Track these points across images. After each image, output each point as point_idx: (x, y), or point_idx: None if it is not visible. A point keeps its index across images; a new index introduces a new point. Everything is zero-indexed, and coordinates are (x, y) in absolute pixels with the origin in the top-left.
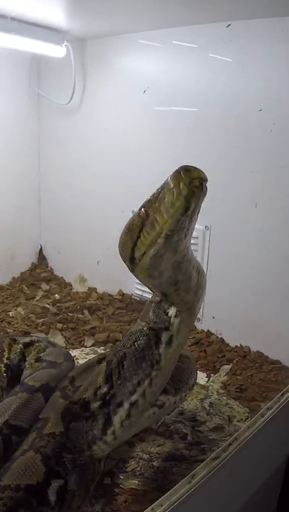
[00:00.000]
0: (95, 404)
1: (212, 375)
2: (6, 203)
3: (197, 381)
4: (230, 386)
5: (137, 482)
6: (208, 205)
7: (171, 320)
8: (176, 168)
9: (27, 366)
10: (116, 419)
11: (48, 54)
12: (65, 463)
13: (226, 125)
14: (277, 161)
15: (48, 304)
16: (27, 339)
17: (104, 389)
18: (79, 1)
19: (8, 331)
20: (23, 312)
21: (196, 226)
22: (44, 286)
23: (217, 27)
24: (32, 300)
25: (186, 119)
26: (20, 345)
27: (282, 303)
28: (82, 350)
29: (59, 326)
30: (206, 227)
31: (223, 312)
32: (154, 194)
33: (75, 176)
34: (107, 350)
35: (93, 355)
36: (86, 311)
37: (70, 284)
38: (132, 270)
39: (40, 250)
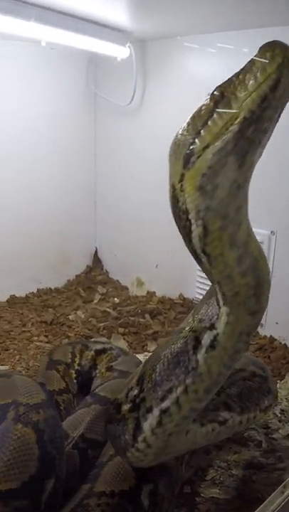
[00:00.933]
0: (126, 407)
1: (279, 381)
2: (61, 204)
3: None
4: None
5: (217, 491)
6: (274, 210)
7: (221, 311)
8: None
9: (98, 375)
10: (146, 426)
11: (112, 54)
12: (153, 466)
13: None
14: None
15: (109, 308)
16: (99, 346)
17: (135, 391)
18: (143, 2)
19: (70, 335)
20: (83, 316)
21: (262, 231)
22: (101, 289)
23: (284, 30)
24: (90, 303)
25: None
26: (92, 351)
27: None
28: (146, 355)
29: (121, 330)
30: (271, 232)
31: (286, 318)
32: (232, 76)
33: (133, 178)
34: None
35: None
36: (147, 316)
37: (126, 288)
38: (180, 181)
39: (96, 253)
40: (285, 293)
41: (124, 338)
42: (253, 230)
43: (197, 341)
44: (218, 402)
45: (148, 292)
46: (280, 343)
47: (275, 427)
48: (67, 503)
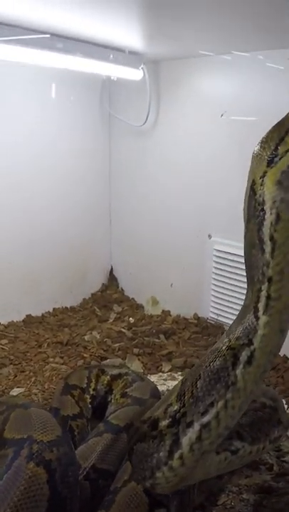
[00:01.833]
0: (164, 423)
1: None
2: (77, 224)
3: None
4: None
5: None
6: None
7: (259, 324)
8: None
9: (112, 401)
10: (185, 441)
11: (126, 77)
12: None
13: None
14: None
15: (124, 328)
16: (116, 371)
17: (176, 407)
18: (156, 26)
19: (85, 356)
20: (98, 336)
21: None
22: (116, 307)
23: None
24: (105, 323)
25: None
26: (108, 376)
27: None
28: (160, 376)
29: (135, 351)
30: None
31: None
32: None
33: (147, 198)
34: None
35: (171, 381)
36: (162, 336)
37: (141, 306)
38: (262, 177)
39: (111, 271)
40: None
41: (138, 359)
42: None
43: (236, 358)
44: (232, 431)
45: (163, 311)
46: None
47: (287, 449)
48: None
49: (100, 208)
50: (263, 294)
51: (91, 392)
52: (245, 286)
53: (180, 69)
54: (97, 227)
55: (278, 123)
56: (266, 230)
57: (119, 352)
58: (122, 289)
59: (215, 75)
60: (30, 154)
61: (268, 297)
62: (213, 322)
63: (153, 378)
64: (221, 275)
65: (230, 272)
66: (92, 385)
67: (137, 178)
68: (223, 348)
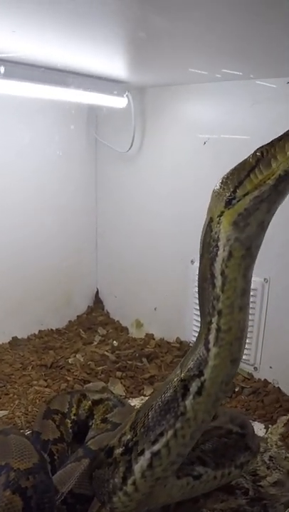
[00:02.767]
0: (118, 451)
1: (270, 426)
2: (63, 246)
3: (256, 433)
4: (288, 438)
5: None
6: (267, 258)
7: (210, 355)
8: None
9: (93, 426)
10: (137, 468)
11: (110, 105)
12: None
13: None
14: None
15: (107, 351)
16: (97, 396)
17: (129, 436)
18: (140, 57)
19: (68, 379)
20: (82, 359)
21: (255, 279)
22: (101, 330)
23: (277, 82)
24: (90, 345)
25: None
26: (90, 402)
27: None
28: (142, 399)
29: (118, 374)
30: (265, 279)
31: (280, 362)
32: (273, 140)
33: (132, 222)
34: None
35: None
36: (145, 359)
37: (126, 328)
38: (219, 216)
39: (97, 293)
40: (278, 338)
41: (121, 382)
42: None
43: (186, 389)
44: (193, 457)
45: (146, 334)
46: (274, 386)
47: (263, 474)
48: None
49: (86, 232)
50: (213, 326)
51: (72, 417)
52: None
53: (165, 96)
54: (83, 250)
55: (239, 164)
56: (218, 266)
57: (102, 375)
58: (108, 312)
59: (199, 102)
60: (17, 179)
61: (218, 329)
62: None
63: (135, 401)
64: None
65: None
66: (74, 410)
67: (122, 202)
68: (175, 379)
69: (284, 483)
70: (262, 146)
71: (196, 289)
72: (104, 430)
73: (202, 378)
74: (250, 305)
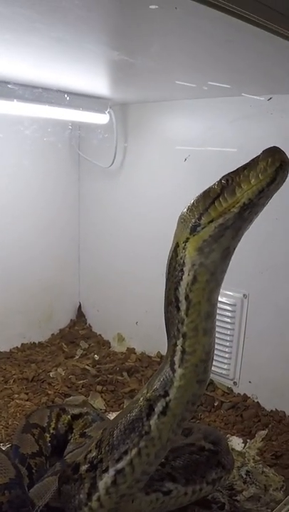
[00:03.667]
0: (84, 467)
1: (248, 440)
2: (46, 260)
3: (234, 447)
4: (266, 453)
5: None
6: (246, 274)
7: (175, 376)
8: None
9: (72, 440)
10: (101, 485)
11: (92, 122)
12: None
13: None
14: None
15: (88, 365)
16: (76, 410)
17: (94, 453)
18: (122, 76)
19: (49, 392)
20: (63, 373)
21: (235, 294)
22: (83, 344)
23: (258, 100)
24: (71, 359)
25: None
26: (69, 416)
27: None
28: None
29: (99, 388)
30: (244, 295)
31: (259, 376)
32: (238, 168)
33: (115, 236)
34: None
35: None
36: (125, 373)
37: (108, 342)
38: (185, 242)
39: (79, 307)
40: (257, 353)
41: (101, 396)
42: (228, 292)
43: (151, 408)
44: (163, 473)
45: (128, 349)
46: (253, 401)
47: (240, 488)
48: None
49: (69, 246)
50: (179, 348)
51: (51, 431)
52: None
53: (147, 112)
54: (66, 264)
55: (205, 191)
56: (182, 290)
57: (83, 389)
58: (90, 326)
59: (181, 118)
60: None
61: (183, 351)
62: None
63: (115, 415)
64: None
65: None
66: (53, 424)
67: (105, 218)
68: (141, 398)
69: (260, 497)
70: (227, 174)
71: None
72: (83, 444)
73: (167, 398)
74: (230, 320)
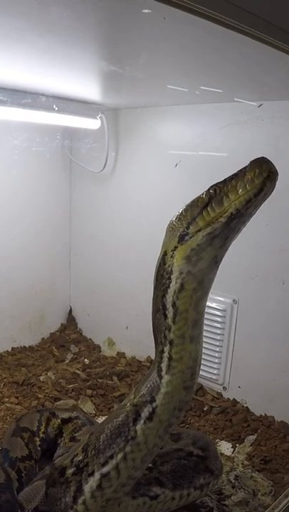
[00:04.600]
0: (70, 471)
1: (237, 445)
2: (38, 264)
3: (223, 452)
4: (254, 458)
5: None
6: (236, 280)
7: (162, 382)
8: None
9: (62, 444)
10: (86, 488)
11: (83, 127)
12: None
13: None
14: None
15: (78, 370)
16: (66, 415)
17: (80, 457)
18: (114, 81)
19: (39, 396)
20: (53, 377)
21: (225, 300)
22: (73, 348)
23: (249, 106)
24: (61, 363)
25: None
26: (59, 420)
27: None
28: None
29: (89, 392)
30: (234, 300)
31: (248, 381)
32: (226, 179)
33: (106, 241)
34: None
35: None
36: (115, 378)
37: (98, 346)
38: (173, 250)
39: (70, 311)
40: (247, 358)
41: (91, 400)
42: (218, 298)
43: (137, 414)
44: (150, 478)
45: (118, 353)
46: (242, 406)
47: (228, 493)
48: None
49: (60, 251)
50: (166, 355)
51: (41, 435)
52: None
53: (138, 117)
54: (57, 268)
55: (193, 200)
56: (169, 298)
57: (73, 393)
58: (81, 330)
59: (173, 124)
60: None
61: (170, 358)
62: None
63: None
64: None
65: None
66: (42, 428)
67: (96, 223)
68: (128, 404)
69: (248, 502)
70: (215, 184)
71: None
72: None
73: (154, 404)
74: (220, 325)
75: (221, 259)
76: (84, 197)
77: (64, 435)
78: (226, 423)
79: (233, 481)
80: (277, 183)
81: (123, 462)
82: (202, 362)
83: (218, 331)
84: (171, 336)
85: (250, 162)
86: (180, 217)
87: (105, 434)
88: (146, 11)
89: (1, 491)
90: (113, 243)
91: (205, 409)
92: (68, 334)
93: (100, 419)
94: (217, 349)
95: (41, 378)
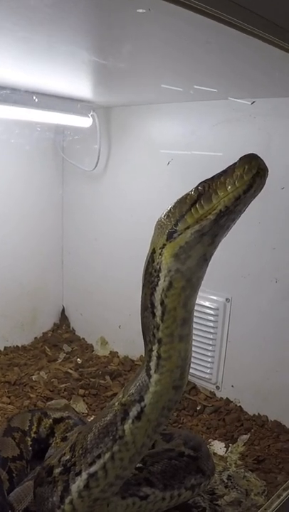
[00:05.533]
0: (57, 470)
1: (230, 444)
2: (30, 264)
3: (216, 452)
4: (248, 457)
5: None
6: (229, 278)
7: (151, 381)
8: None
9: (53, 444)
10: (73, 488)
11: (75, 125)
12: None
13: None
14: None
15: (71, 369)
16: (58, 415)
17: (68, 456)
18: (105, 78)
19: (32, 396)
20: (45, 376)
21: (218, 298)
22: (66, 347)
23: (241, 104)
24: (54, 363)
25: None
26: (51, 420)
27: None
28: None
29: (81, 391)
30: (226, 299)
31: (242, 381)
32: (215, 175)
33: (98, 240)
34: None
35: None
36: (108, 377)
37: (91, 346)
38: (161, 248)
39: (63, 311)
40: (240, 357)
41: (83, 400)
42: (210, 296)
43: (125, 413)
44: (140, 478)
45: (111, 352)
46: (236, 405)
47: (221, 493)
48: None
49: (52, 250)
50: (154, 354)
51: (32, 435)
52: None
53: (131, 115)
54: (49, 268)
55: (182, 198)
56: (158, 296)
57: (65, 392)
58: (73, 329)
59: (165, 122)
60: None
61: (159, 357)
62: None
63: None
64: None
65: None
66: (34, 428)
67: (88, 221)
68: (116, 403)
69: (241, 502)
70: (204, 180)
71: None
72: None
73: (142, 403)
74: (213, 324)
75: (211, 257)
76: (76, 195)
77: (56, 435)
78: (219, 422)
79: (226, 480)
80: (269, 180)
81: (110, 462)
82: (195, 361)
83: (211, 330)
84: (160, 334)
85: (240, 158)
86: (168, 214)
87: (93, 434)
88: (140, 10)
89: None
90: (106, 242)
91: (198, 408)
92: (61, 334)
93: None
94: (210, 348)
95: (33, 378)
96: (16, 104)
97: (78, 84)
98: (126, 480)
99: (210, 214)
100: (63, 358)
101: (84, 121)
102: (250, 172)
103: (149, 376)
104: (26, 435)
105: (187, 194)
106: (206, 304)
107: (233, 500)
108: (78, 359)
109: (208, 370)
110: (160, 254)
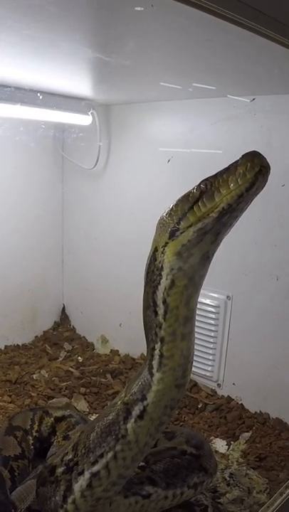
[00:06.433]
0: (60, 470)
1: (232, 442)
2: (30, 262)
3: (218, 449)
4: (249, 455)
5: None
6: (229, 276)
7: (153, 380)
8: None
9: (55, 443)
10: (76, 487)
11: (75, 123)
12: None
13: None
14: None
15: (72, 367)
16: (59, 413)
17: (70, 456)
18: (105, 76)
19: (33, 395)
20: (46, 375)
21: (218, 296)
22: (67, 346)
23: (241, 101)
24: (55, 361)
25: None
26: (52, 419)
27: None
28: None
29: (82, 390)
30: (227, 296)
31: (243, 378)
32: (217, 173)
33: (98, 238)
34: None
35: None
36: (109, 375)
37: (92, 344)
38: (163, 246)
39: (63, 309)
40: (241, 355)
41: (85, 398)
42: (211, 294)
43: (128, 412)
44: (143, 477)
45: (111, 350)
46: (237, 403)
47: (223, 491)
48: None
49: (52, 248)
50: (156, 352)
51: (34, 434)
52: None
53: (130, 112)
54: (49, 266)
55: (184, 196)
56: (160, 294)
57: (67, 391)
58: (74, 328)
59: (165, 120)
60: None
61: (161, 356)
62: None
63: None
64: None
65: None
66: (36, 426)
67: (88, 219)
68: (118, 402)
69: (243, 500)
70: (206, 178)
71: None
72: None
73: (145, 402)
74: (214, 322)
75: (213, 255)
76: (76, 194)
77: (57, 434)
78: (221, 420)
79: (228, 478)
80: (270, 177)
81: (113, 461)
82: (196, 359)
83: (212, 328)
84: (162, 333)
85: (242, 156)
86: (171, 212)
87: (96, 433)
88: (138, 8)
89: None
90: (106, 240)
91: (199, 406)
92: (61, 332)
93: (94, 418)
94: (211, 346)
95: (34, 376)
96: (15, 103)
97: (78, 82)
98: (128, 479)
99: (212, 212)
100: (64, 356)
101: (83, 119)
102: (253, 170)
103: (152, 375)
104: (28, 434)
105: (189, 192)
106: (207, 301)
107: (236, 498)
108: (79, 357)
109: (209, 368)
110: (162, 253)
